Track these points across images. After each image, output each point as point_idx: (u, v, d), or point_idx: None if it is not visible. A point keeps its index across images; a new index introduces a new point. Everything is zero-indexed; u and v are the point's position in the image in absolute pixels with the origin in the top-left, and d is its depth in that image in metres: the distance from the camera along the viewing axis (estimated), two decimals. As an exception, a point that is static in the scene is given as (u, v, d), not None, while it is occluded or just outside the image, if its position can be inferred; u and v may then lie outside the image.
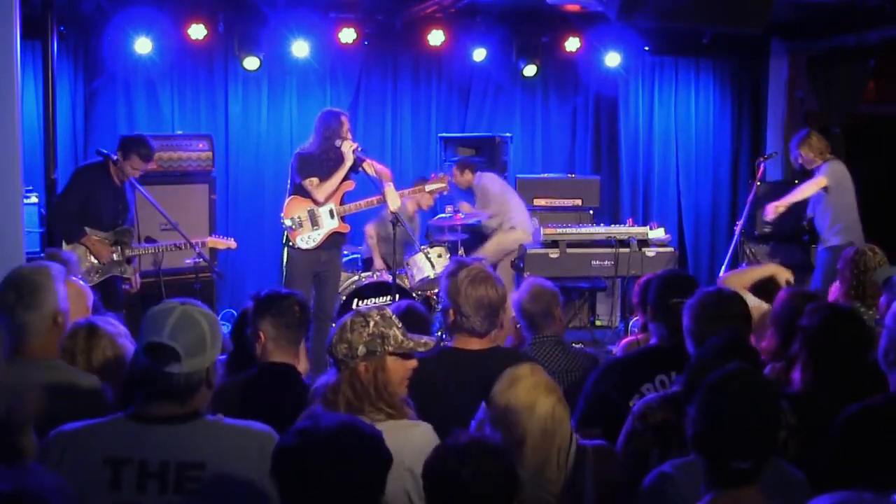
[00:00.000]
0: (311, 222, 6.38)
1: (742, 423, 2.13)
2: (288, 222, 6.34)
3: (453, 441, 2.17)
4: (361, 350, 2.63)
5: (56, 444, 2.24)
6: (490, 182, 8.12)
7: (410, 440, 2.57)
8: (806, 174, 7.30)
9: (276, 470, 2.00)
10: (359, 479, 1.95)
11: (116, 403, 2.77)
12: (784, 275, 4.51)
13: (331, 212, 6.41)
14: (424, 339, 2.77)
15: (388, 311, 2.75)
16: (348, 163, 6.30)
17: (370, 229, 7.73)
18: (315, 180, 6.29)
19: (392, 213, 6.31)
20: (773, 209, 7.15)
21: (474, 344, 3.28)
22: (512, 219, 8.00)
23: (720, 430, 2.15)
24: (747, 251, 8.23)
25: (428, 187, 6.98)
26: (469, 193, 8.24)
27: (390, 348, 2.66)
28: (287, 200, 6.42)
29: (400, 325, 2.73)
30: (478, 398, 2.73)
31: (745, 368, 2.26)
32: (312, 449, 1.95)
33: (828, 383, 3.01)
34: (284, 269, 6.50)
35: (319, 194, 6.30)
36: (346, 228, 6.50)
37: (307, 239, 6.35)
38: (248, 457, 2.22)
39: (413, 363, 2.73)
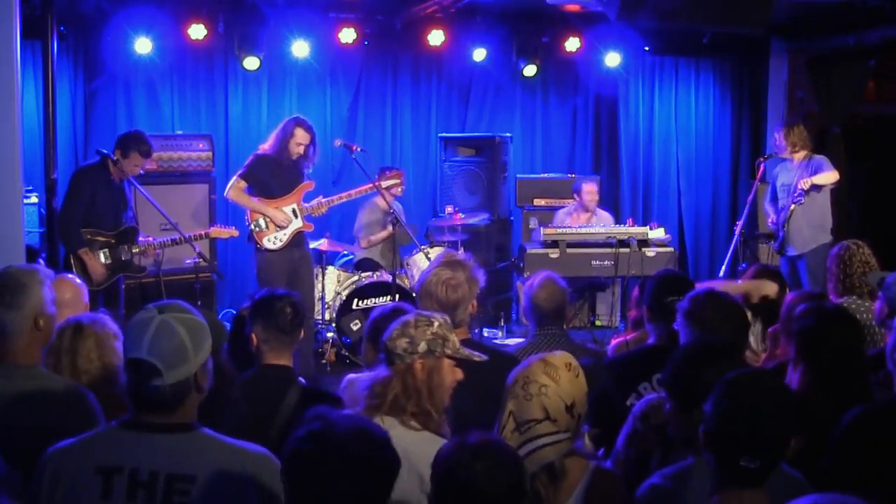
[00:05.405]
0: (275, 223, 6.47)
1: (754, 421, 2.15)
2: (253, 226, 6.44)
3: (465, 438, 2.15)
4: (423, 347, 2.67)
5: (51, 460, 2.23)
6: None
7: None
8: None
9: (289, 472, 1.98)
10: (370, 485, 1.96)
11: (102, 409, 2.72)
12: (759, 291, 4.38)
13: (294, 211, 6.52)
14: (478, 353, 2.81)
15: (448, 319, 2.80)
16: (290, 220, 6.48)
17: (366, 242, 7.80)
18: (243, 183, 6.47)
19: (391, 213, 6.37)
20: (804, 183, 6.93)
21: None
22: None
23: (732, 427, 2.17)
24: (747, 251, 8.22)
25: (385, 183, 7.02)
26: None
27: (449, 352, 2.71)
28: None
29: (455, 336, 2.78)
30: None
31: (766, 370, 2.27)
32: (326, 453, 1.94)
33: (824, 385, 3.00)
34: (259, 273, 6.51)
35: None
36: (309, 227, 6.60)
37: (273, 239, 6.45)
38: (240, 477, 2.17)
39: (460, 375, 2.75)
